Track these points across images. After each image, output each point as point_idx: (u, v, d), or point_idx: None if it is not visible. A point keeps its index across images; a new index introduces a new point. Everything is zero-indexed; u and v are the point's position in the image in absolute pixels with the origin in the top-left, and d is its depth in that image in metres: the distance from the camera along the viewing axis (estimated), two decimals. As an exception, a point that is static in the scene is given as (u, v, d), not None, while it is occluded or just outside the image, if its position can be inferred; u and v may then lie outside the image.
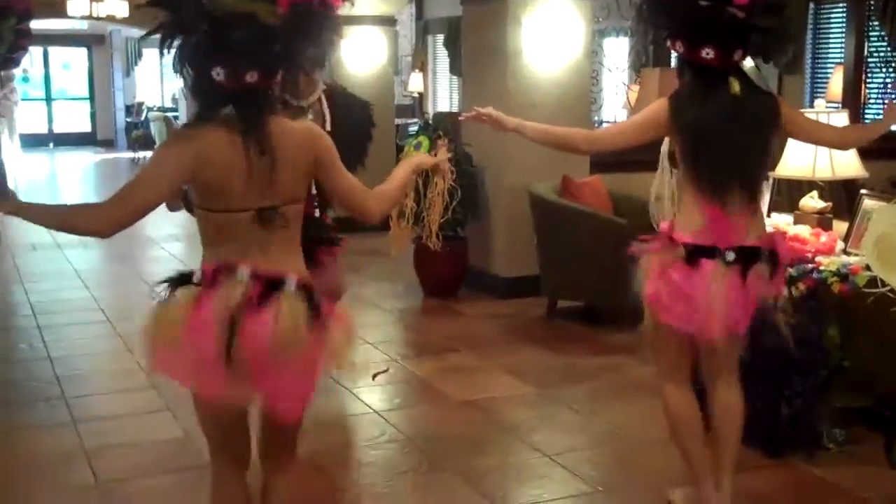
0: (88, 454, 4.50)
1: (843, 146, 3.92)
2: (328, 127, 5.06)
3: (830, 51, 9.91)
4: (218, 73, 2.51)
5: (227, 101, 2.56)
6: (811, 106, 7.38)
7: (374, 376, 5.57)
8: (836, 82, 9.27)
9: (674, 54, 3.48)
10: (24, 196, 2.71)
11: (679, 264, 3.31)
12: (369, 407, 5.10)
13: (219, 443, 2.87)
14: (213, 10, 2.50)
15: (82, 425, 4.86)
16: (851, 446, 4.35)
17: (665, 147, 4.11)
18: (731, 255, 3.27)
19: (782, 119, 3.40)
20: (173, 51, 2.58)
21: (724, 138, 3.29)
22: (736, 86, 3.29)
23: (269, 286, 2.55)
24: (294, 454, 2.93)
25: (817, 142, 3.94)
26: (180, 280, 2.64)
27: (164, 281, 2.66)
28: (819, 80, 9.94)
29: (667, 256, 3.35)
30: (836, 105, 9.30)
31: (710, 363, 3.59)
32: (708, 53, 3.24)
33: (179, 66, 2.57)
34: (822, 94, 9.62)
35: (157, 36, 2.58)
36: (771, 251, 3.36)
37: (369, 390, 5.37)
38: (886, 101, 8.20)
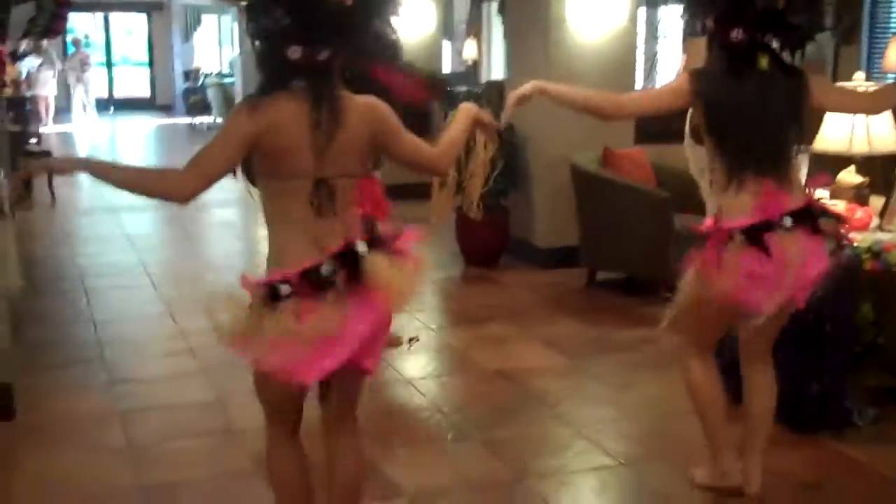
0: (121, 416, 4.61)
1: (877, 110, 3.84)
2: None
3: (890, 20, 9.66)
4: (294, 52, 2.60)
5: (297, 76, 2.63)
6: (869, 76, 7.22)
7: (409, 342, 5.57)
8: (893, 52, 9.02)
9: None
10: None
11: (743, 249, 3.22)
12: (400, 374, 5.14)
13: (279, 410, 2.94)
14: None
15: (118, 387, 4.98)
16: (882, 424, 4.29)
17: (688, 122, 4.11)
18: (787, 221, 3.23)
19: (811, 92, 3.36)
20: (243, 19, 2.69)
21: (755, 112, 3.30)
22: (764, 61, 3.30)
23: (348, 260, 2.64)
24: (356, 416, 3.00)
25: (851, 111, 3.91)
26: (272, 294, 2.62)
27: (261, 296, 2.63)
28: (876, 51, 9.69)
29: (726, 249, 3.25)
30: (893, 75, 9.08)
31: (753, 343, 3.55)
32: (737, 35, 3.25)
33: (253, 38, 2.66)
34: (879, 64, 9.40)
35: (215, 3, 2.68)
36: (821, 209, 3.35)
37: (403, 358, 5.41)
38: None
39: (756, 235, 3.22)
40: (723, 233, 3.27)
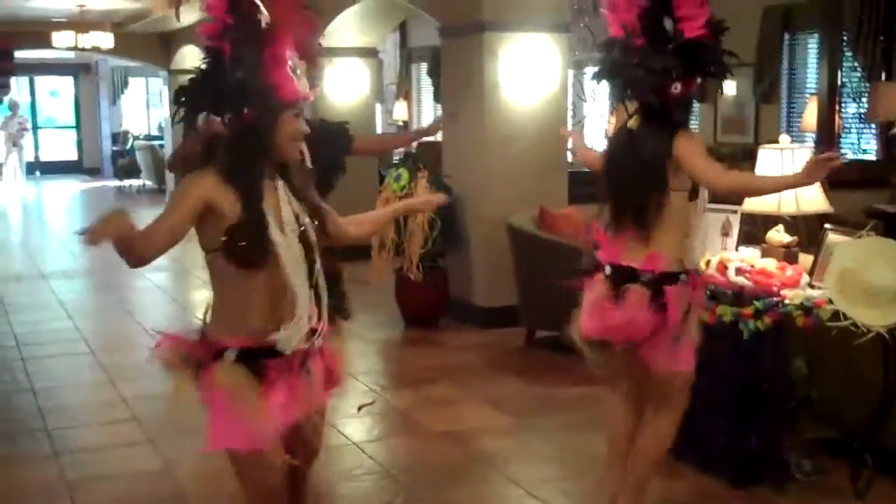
0: (69, 487, 4.56)
1: (715, 189, 3.62)
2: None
3: (806, 81, 10.04)
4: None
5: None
6: (789, 133, 7.46)
7: (360, 408, 5.60)
8: (810, 112, 9.36)
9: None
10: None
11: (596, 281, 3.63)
12: (348, 439, 5.16)
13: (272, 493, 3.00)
14: None
15: (64, 457, 4.92)
16: (819, 476, 4.42)
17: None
18: (607, 269, 3.56)
19: (675, 152, 3.44)
20: None
21: (619, 169, 3.59)
22: (633, 121, 3.54)
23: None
24: None
25: (697, 180, 3.58)
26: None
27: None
28: (794, 110, 10.07)
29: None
30: (811, 135, 9.43)
31: (642, 387, 3.79)
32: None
33: None
34: (798, 124, 9.76)
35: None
36: (654, 276, 3.48)
37: (348, 422, 5.44)
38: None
39: (594, 271, 3.62)
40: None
